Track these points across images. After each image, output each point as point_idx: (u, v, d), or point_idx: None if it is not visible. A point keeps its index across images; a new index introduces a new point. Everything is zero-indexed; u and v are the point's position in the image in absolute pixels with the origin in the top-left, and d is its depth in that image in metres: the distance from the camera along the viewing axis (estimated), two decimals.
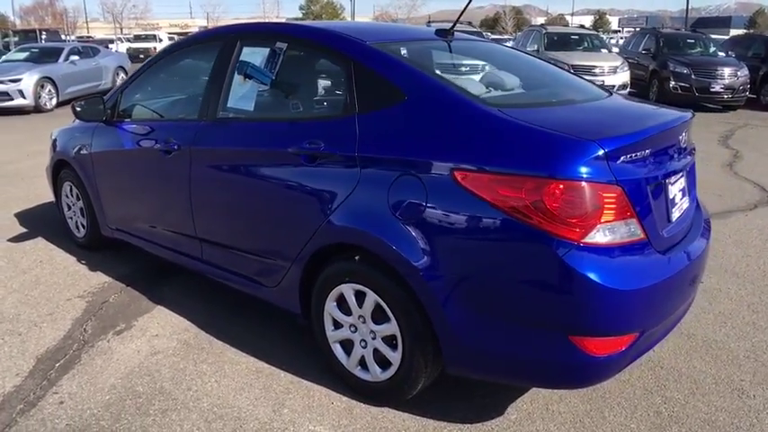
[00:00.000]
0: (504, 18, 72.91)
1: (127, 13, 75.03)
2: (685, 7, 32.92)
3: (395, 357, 2.10)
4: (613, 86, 11.07)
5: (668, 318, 2.01)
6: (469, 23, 14.66)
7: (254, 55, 2.55)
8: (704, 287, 3.32)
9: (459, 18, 2.55)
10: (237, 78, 2.59)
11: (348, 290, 2.17)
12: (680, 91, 11.03)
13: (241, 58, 2.61)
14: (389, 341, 2.11)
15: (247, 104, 2.56)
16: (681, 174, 2.18)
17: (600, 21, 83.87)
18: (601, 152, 1.70)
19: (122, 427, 2.13)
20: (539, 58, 3.05)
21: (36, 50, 11.69)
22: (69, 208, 3.92)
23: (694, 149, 2.41)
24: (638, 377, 2.45)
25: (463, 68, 2.54)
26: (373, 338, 2.16)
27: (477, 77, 2.41)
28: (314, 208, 2.19)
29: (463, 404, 2.24)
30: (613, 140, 1.75)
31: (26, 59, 11.12)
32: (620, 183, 1.74)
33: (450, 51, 2.62)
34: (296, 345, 2.65)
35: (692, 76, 10.91)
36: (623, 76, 11.22)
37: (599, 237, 1.72)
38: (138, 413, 2.21)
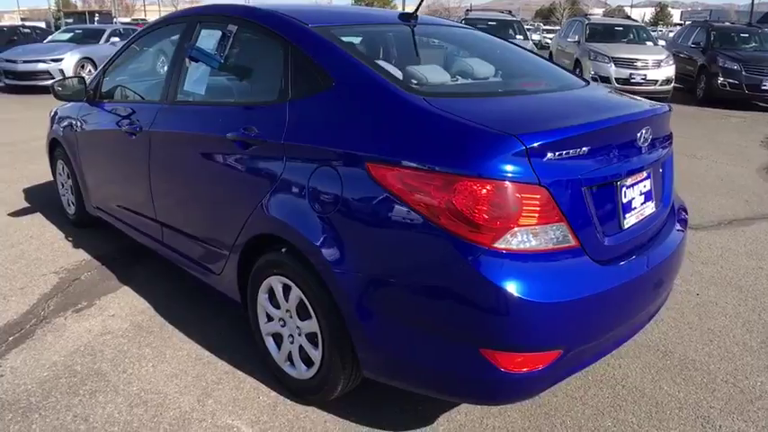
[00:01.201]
0: (559, 9, 70.56)
1: None
2: (750, 1, 30.81)
3: (316, 356, 2.01)
4: (656, 81, 10.51)
5: (610, 333, 1.83)
6: (509, 12, 14.20)
7: (210, 38, 2.49)
8: (699, 301, 3.07)
9: (420, 3, 2.40)
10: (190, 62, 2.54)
11: (276, 283, 2.10)
12: (728, 88, 10.33)
13: (198, 40, 2.55)
14: (312, 339, 2.02)
15: (199, 88, 2.50)
16: (642, 175, 1.97)
17: (661, 13, 79.88)
18: (521, 148, 1.53)
19: (49, 404, 2.14)
20: (523, 48, 2.84)
21: (79, 32, 12.14)
22: (62, 186, 4.01)
23: (666, 147, 2.18)
24: (594, 395, 2.26)
25: (419, 53, 2.38)
26: (299, 335, 2.08)
27: (429, 64, 2.25)
28: (246, 196, 2.12)
29: (395, 411, 2.13)
30: (538, 135, 1.57)
31: (69, 40, 11.56)
32: (545, 183, 1.57)
33: (414, 36, 2.48)
34: (242, 335, 2.59)
35: (743, 73, 10.18)
36: (667, 71, 10.61)
37: (514, 242, 1.56)
38: (69, 392, 2.21)
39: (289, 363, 2.17)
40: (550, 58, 14.39)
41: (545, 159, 1.57)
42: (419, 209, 1.60)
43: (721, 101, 10.56)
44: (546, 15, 73.57)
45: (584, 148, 1.65)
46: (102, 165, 3.30)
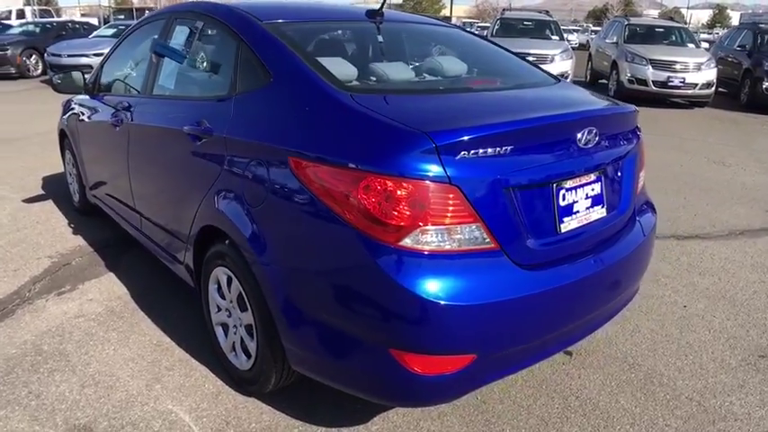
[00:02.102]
0: (612, 9, 68.44)
1: None
2: None
3: (253, 348, 2.04)
4: (696, 84, 10.07)
5: (537, 340, 1.77)
6: (546, 12, 13.87)
7: (181, 34, 2.56)
8: (685, 313, 2.93)
9: (384, 1, 2.38)
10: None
11: (222, 274, 2.13)
12: None
13: (173, 36, 2.62)
14: (249, 330, 2.05)
15: (169, 83, 2.58)
16: (589, 177, 1.90)
17: (719, 15, 76.14)
18: (431, 146, 1.50)
19: (9, 380, 2.25)
20: (499, 46, 2.78)
21: (122, 27, 12.65)
22: (70, 175, 4.20)
23: (626, 148, 2.09)
24: (543, 404, 2.20)
25: (377, 51, 2.37)
26: (240, 325, 2.11)
27: (380, 62, 2.23)
28: (197, 187, 2.16)
29: (332, 407, 2.12)
30: (451, 133, 1.53)
31: (112, 35, 12.08)
32: (457, 182, 1.53)
33: (376, 33, 2.46)
34: (204, 324, 2.65)
35: None
36: (708, 74, 10.13)
37: (422, 241, 1.53)
38: (30, 370, 2.32)
39: (234, 353, 2.21)
40: (589, 60, 14.02)
41: (458, 158, 1.53)
42: (331, 205, 1.59)
43: (765, 107, 10.00)
44: (598, 16, 71.47)
45: (505, 148, 1.59)
46: (94, 155, 3.44)
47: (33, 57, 12.91)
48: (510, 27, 12.85)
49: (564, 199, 1.80)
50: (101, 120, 3.23)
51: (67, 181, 4.29)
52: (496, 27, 13.02)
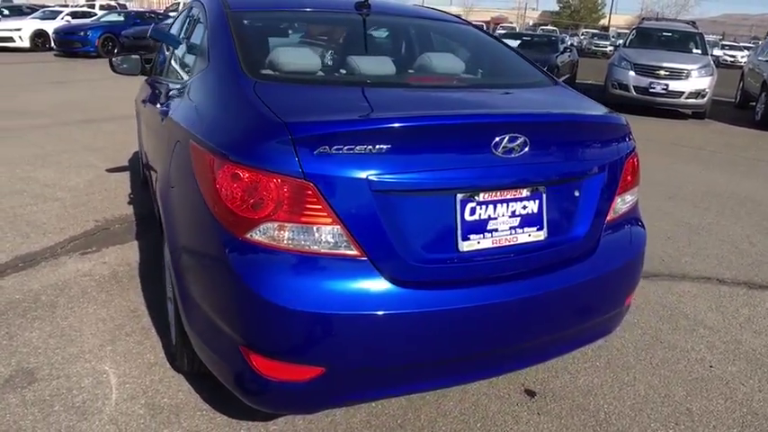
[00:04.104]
0: None
1: None
2: None
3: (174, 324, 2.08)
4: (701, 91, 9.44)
5: (411, 364, 1.57)
6: (692, 23, 12.44)
7: (188, 19, 2.69)
8: (707, 374, 2.44)
9: None
10: (182, 42, 2.77)
11: (166, 250, 2.21)
12: None
13: (187, 21, 2.78)
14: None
15: (169, 66, 2.73)
16: (516, 192, 1.64)
17: None
18: (287, 137, 1.40)
19: (1, 320, 2.54)
20: (506, 45, 2.53)
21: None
22: (140, 150, 4.64)
23: (593, 164, 1.79)
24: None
25: (348, 41, 2.28)
26: (171, 301, 2.17)
27: (346, 53, 2.14)
28: (159, 164, 2.26)
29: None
30: (312, 126, 1.42)
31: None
32: (313, 178, 1.41)
33: (365, 27, 2.37)
34: None
35: None
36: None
37: (274, 237, 1.44)
38: (19, 314, 2.59)
39: (171, 327, 2.27)
40: (741, 79, 12.41)
41: (317, 152, 1.41)
42: (202, 190, 1.57)
43: None
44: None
45: (379, 146, 1.43)
46: (142, 133, 3.77)
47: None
48: (647, 37, 11.81)
49: (473, 213, 1.58)
50: (143, 99, 3.52)
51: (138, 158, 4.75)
52: (632, 37, 12.05)
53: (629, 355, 2.56)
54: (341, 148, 1.42)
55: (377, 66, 2.07)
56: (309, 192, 1.42)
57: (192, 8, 2.85)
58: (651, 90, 9.94)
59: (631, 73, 10.19)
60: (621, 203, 1.94)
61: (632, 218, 2.01)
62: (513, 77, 2.17)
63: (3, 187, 4.36)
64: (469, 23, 2.72)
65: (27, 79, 10.96)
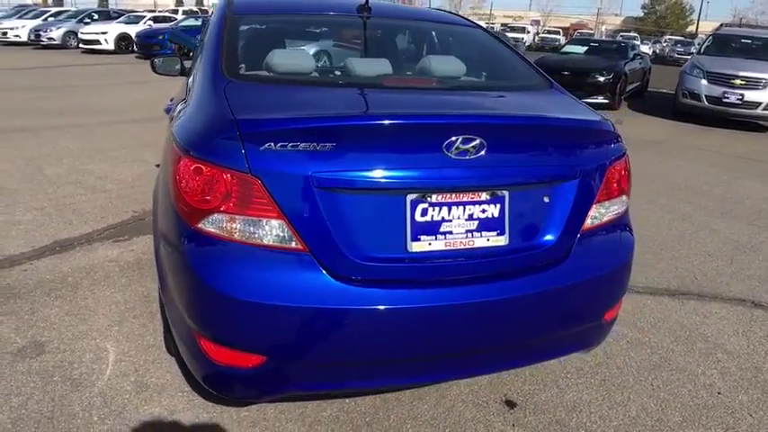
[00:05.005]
0: None
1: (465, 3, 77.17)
2: None
3: None
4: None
5: (356, 360, 1.60)
6: None
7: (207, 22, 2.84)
8: (713, 401, 2.29)
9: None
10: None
11: None
12: None
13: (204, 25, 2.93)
14: None
15: (189, 68, 2.88)
16: (473, 195, 1.62)
17: None
18: (235, 133, 1.47)
19: (28, 297, 2.78)
20: (510, 47, 2.48)
21: None
22: None
23: (566, 170, 1.73)
24: None
25: (340, 43, 2.32)
26: None
27: (341, 55, 2.19)
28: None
29: None
30: (259, 122, 1.48)
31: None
32: (258, 173, 1.46)
33: (365, 29, 2.41)
34: None
35: None
36: None
37: (223, 228, 1.51)
38: (46, 293, 2.82)
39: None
40: None
41: (263, 148, 1.46)
42: (170, 183, 1.67)
43: None
44: None
45: (323, 144, 1.46)
46: None
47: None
48: (724, 44, 11.09)
49: (424, 214, 1.58)
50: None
51: None
52: (708, 44, 11.36)
53: (630, 374, 2.43)
54: (285, 145, 1.47)
55: (357, 67, 2.10)
56: (256, 186, 1.48)
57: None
58: (725, 100, 9.30)
59: (704, 81, 9.59)
60: (603, 211, 1.86)
61: (617, 227, 1.92)
62: (504, 80, 2.14)
63: (61, 178, 4.75)
64: (477, 25, 2.69)
65: (106, 79, 11.85)
